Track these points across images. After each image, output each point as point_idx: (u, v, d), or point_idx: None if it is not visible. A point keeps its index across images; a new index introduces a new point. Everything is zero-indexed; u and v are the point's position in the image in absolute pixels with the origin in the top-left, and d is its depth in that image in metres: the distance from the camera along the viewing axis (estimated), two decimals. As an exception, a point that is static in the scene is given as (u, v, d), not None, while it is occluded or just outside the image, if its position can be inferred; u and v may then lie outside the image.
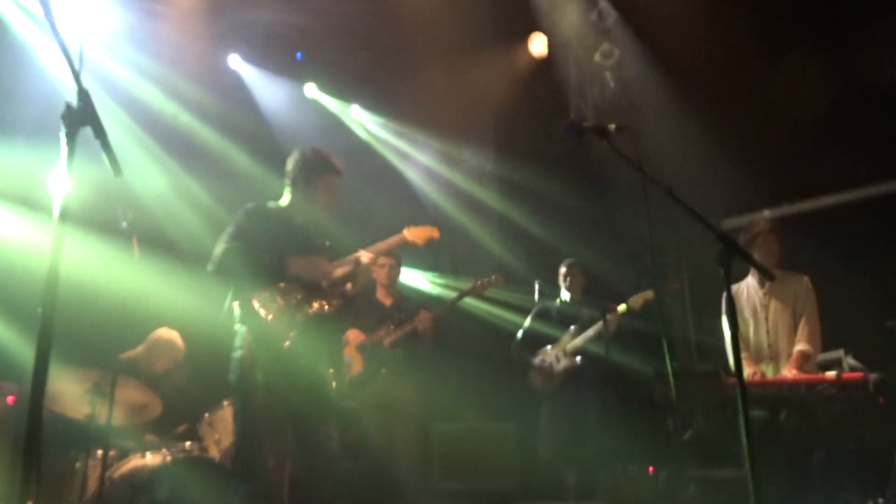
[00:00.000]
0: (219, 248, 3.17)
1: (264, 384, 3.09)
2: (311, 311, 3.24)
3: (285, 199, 3.45)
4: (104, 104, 5.58)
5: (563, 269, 5.31)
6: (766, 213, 5.59)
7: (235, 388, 3.18)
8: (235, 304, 3.17)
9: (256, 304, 3.13)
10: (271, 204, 3.45)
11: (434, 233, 3.88)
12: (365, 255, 3.46)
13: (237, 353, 3.19)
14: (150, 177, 5.79)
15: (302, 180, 3.38)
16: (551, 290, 5.44)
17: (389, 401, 4.64)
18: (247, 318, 3.16)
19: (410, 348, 4.70)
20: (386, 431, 4.63)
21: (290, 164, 3.43)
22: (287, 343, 3.14)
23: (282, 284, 3.21)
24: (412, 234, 3.79)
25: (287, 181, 3.44)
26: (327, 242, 3.53)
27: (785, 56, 5.55)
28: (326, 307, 3.30)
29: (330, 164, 3.42)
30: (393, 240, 3.71)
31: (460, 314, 6.21)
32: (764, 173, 5.75)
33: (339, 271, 3.42)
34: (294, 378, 3.17)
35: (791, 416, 3.79)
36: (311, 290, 3.30)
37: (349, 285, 3.47)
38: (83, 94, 1.79)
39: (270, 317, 3.13)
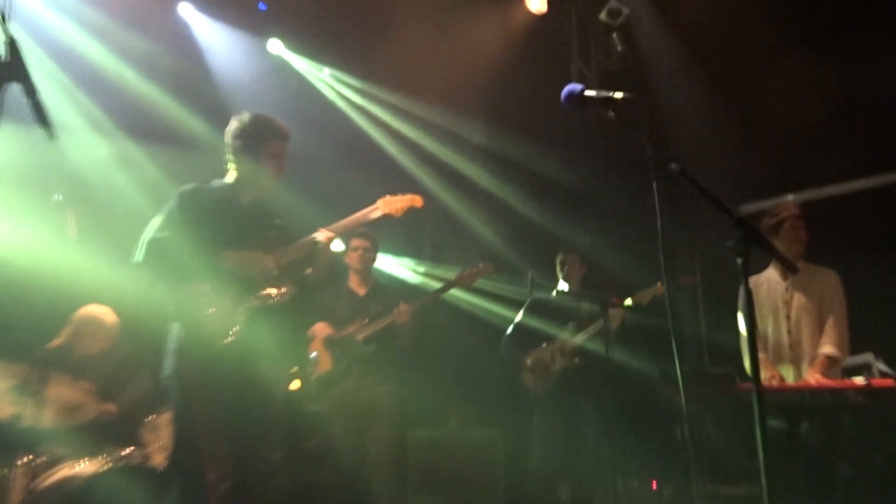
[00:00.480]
0: (145, 237, 3.18)
1: (200, 385, 3.10)
2: (255, 302, 3.25)
3: (230, 176, 3.45)
4: (35, 57, 5.50)
5: (559, 258, 5.34)
6: (791, 197, 5.62)
7: (170, 389, 3.20)
8: (168, 299, 3.17)
9: (191, 298, 3.13)
10: (215, 183, 3.45)
11: (416, 202, 3.81)
12: (322, 234, 3.44)
13: (170, 351, 3.21)
14: (88, 143, 5.73)
15: (243, 151, 3.38)
16: (546, 281, 5.46)
17: (361, 404, 4.64)
18: (180, 314, 3.16)
19: (386, 345, 4.70)
20: (356, 438, 4.63)
21: (229, 135, 3.42)
22: (228, 340, 3.14)
23: (219, 278, 3.21)
24: (388, 205, 3.70)
25: (228, 155, 3.44)
26: (277, 220, 3.52)
27: (818, 27, 5.58)
28: (274, 297, 3.30)
29: (273, 128, 3.42)
30: (363, 213, 3.63)
31: (443, 307, 6.23)
32: (788, 153, 5.80)
33: (293, 256, 3.40)
34: (234, 379, 3.18)
35: (813, 426, 3.83)
36: (260, 279, 3.30)
37: (309, 270, 3.46)
38: (11, 46, 1.76)
39: (209, 311, 3.14)
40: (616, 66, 6.68)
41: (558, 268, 5.32)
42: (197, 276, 3.17)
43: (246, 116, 3.42)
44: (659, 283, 4.90)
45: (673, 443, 5.04)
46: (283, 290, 3.33)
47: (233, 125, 3.43)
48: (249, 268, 3.29)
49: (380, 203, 3.70)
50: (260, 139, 3.37)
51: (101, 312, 4.87)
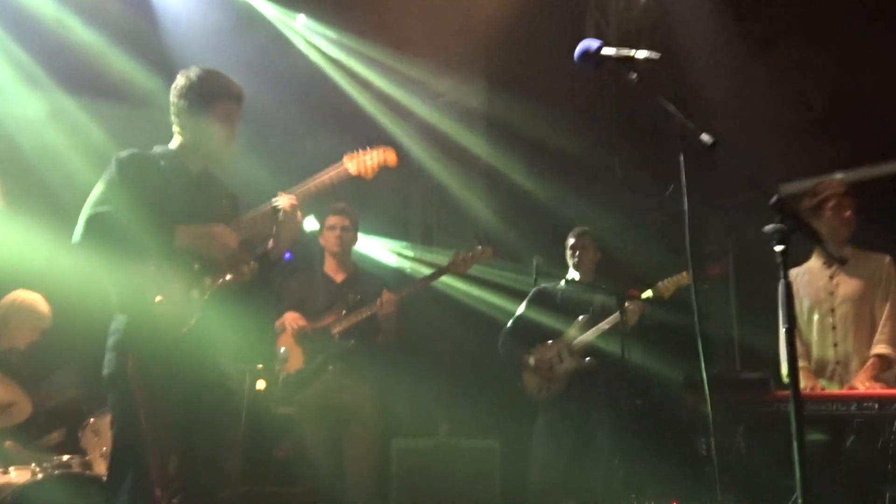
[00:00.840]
0: (83, 215, 3.15)
1: (146, 385, 3.09)
2: (212, 285, 3.23)
3: (174, 141, 3.44)
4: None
5: (570, 241, 5.33)
6: (839, 175, 5.61)
7: (110, 386, 3.18)
8: (110, 284, 3.15)
9: (136, 282, 3.11)
10: (158, 149, 3.42)
11: (388, 157, 3.74)
12: (284, 199, 3.42)
13: (111, 343, 3.19)
14: (21, 101, 5.70)
15: (189, 113, 3.36)
16: (554, 268, 5.45)
17: (337, 408, 4.65)
18: (126, 302, 3.14)
19: (367, 340, 4.70)
20: (331, 447, 4.64)
21: (173, 93, 3.40)
22: (182, 331, 3.13)
23: (169, 257, 3.19)
24: (356, 164, 3.66)
25: (173, 117, 3.42)
26: (230, 190, 3.50)
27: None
28: (231, 276, 3.28)
29: (223, 85, 3.40)
30: (327, 173, 3.57)
31: (434, 297, 6.24)
32: (838, 125, 5.78)
33: (251, 228, 3.38)
34: (188, 379, 3.18)
35: (860, 441, 3.84)
36: (216, 257, 3.28)
37: (271, 242, 3.45)
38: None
39: (158, 298, 3.12)
40: (639, 18, 6.66)
41: (568, 253, 5.31)
42: (145, 256, 3.15)
43: (193, 72, 3.39)
44: (684, 273, 4.90)
45: (697, 458, 5.05)
46: (245, 268, 3.31)
47: (178, 82, 3.40)
48: (207, 245, 3.26)
49: (345, 160, 3.66)
50: (208, 98, 3.35)
51: (33, 299, 4.86)
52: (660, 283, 4.94)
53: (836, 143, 5.63)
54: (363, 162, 3.67)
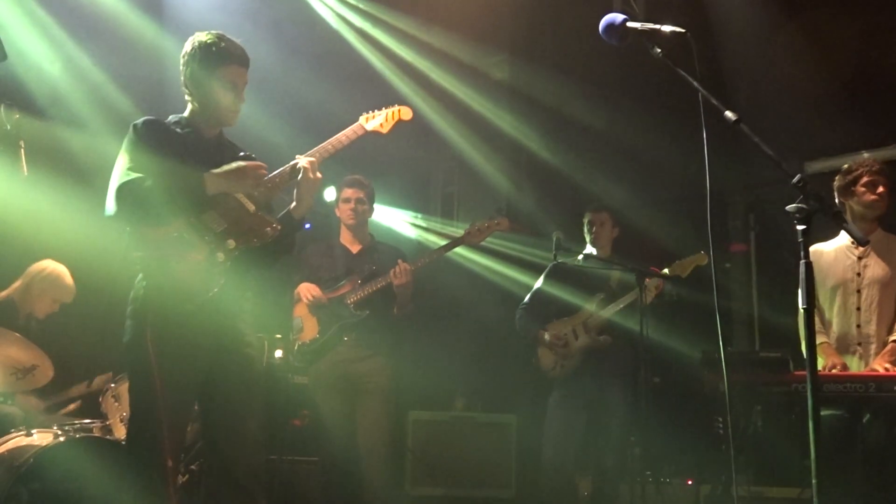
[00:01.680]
0: (112, 187, 3.17)
1: (163, 350, 3.11)
2: (236, 246, 3.23)
3: (187, 109, 3.46)
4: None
5: (587, 217, 5.31)
6: (866, 154, 5.56)
7: (128, 353, 3.21)
8: (135, 252, 3.16)
9: (161, 244, 3.13)
10: (172, 117, 3.45)
11: (403, 113, 3.76)
12: (304, 159, 3.43)
13: (130, 311, 3.21)
14: (45, 65, 5.72)
15: (193, 80, 3.38)
16: (575, 243, 5.44)
17: (352, 378, 4.67)
18: (149, 268, 3.16)
19: (382, 311, 4.71)
20: (346, 417, 4.65)
21: (182, 61, 3.42)
22: (209, 296, 3.15)
23: (194, 218, 3.20)
24: (371, 121, 3.67)
25: (182, 86, 3.44)
26: (245, 153, 3.51)
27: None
28: (256, 238, 3.29)
29: (228, 50, 3.39)
30: (344, 133, 3.57)
31: (452, 269, 6.25)
32: (867, 103, 5.72)
33: (270, 188, 3.38)
34: (209, 343, 3.20)
35: (875, 420, 3.84)
36: (239, 218, 3.29)
37: (292, 205, 3.46)
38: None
39: (182, 264, 3.14)
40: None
41: (585, 229, 5.29)
42: (175, 217, 3.16)
43: (198, 38, 3.40)
44: (702, 252, 4.86)
45: (714, 437, 5.07)
46: (268, 229, 3.32)
47: (185, 48, 3.41)
48: (237, 180, 3.25)
49: (361, 119, 3.67)
50: (212, 64, 3.35)
51: (60, 272, 4.91)
52: (676, 263, 4.91)
53: (863, 114, 5.57)
54: (378, 118, 3.69)
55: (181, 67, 3.41)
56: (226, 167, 3.28)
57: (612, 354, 4.99)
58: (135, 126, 3.31)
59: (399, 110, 3.76)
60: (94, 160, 5.32)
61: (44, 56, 5.70)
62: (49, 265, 4.90)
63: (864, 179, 4.19)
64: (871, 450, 3.81)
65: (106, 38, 5.95)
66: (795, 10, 5.81)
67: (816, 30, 5.65)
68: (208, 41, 3.38)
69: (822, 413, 3.85)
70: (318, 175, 3.40)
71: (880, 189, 4.18)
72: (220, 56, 3.37)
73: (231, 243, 3.23)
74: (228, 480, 3.20)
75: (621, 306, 4.97)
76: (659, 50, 2.58)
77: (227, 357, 3.26)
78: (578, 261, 5.22)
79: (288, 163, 3.40)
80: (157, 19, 6.08)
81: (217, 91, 3.36)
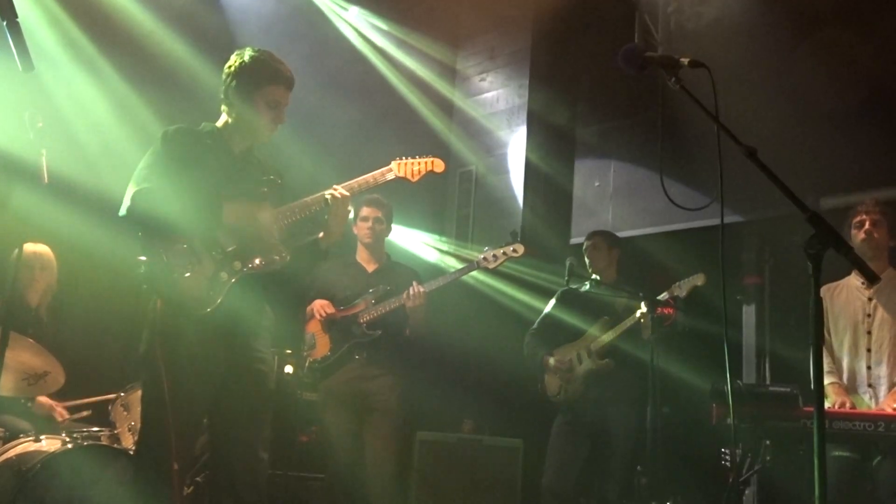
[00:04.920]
0: (129, 189, 3.21)
1: (171, 361, 3.13)
2: (241, 268, 3.25)
3: (220, 120, 3.48)
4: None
5: (585, 243, 5.31)
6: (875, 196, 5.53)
7: (142, 364, 3.24)
8: (142, 259, 3.19)
9: (167, 259, 3.15)
10: (205, 126, 3.47)
11: (436, 165, 3.83)
12: (338, 191, 3.46)
13: (148, 321, 3.24)
14: (70, 77, 5.78)
15: (237, 93, 3.40)
16: (587, 270, 5.43)
17: (361, 396, 4.67)
18: (154, 277, 3.19)
19: (394, 331, 4.72)
20: (353, 437, 4.66)
21: (225, 72, 3.44)
22: (209, 310, 3.17)
23: (206, 234, 3.23)
24: (403, 167, 3.73)
25: (221, 96, 3.46)
26: (272, 177, 3.52)
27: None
28: (262, 262, 3.30)
29: (275, 70, 3.43)
30: (373, 175, 3.63)
31: (466, 292, 6.24)
32: (886, 141, 5.69)
33: (297, 215, 3.41)
34: (222, 356, 3.22)
35: (886, 461, 3.80)
36: (250, 242, 3.32)
37: (320, 234, 3.48)
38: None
39: (187, 275, 3.16)
40: (688, 22, 6.59)
41: (585, 255, 5.29)
42: (183, 233, 3.19)
43: (247, 53, 3.42)
44: (701, 274, 4.83)
45: (719, 471, 5.02)
46: (277, 257, 3.35)
47: (231, 61, 3.44)
48: (251, 225, 3.31)
49: (393, 165, 3.71)
50: (258, 81, 3.38)
51: (39, 251, 4.88)
52: (675, 284, 4.87)
53: (883, 150, 5.53)
54: (410, 167, 3.74)
55: (224, 78, 3.43)
56: (248, 207, 3.32)
57: (616, 380, 4.97)
58: (164, 133, 3.35)
59: (433, 162, 3.82)
60: (112, 167, 5.37)
61: (73, 72, 5.75)
62: (30, 247, 4.84)
63: (854, 220, 4.25)
64: (880, 490, 3.77)
65: (130, 49, 6.03)
66: (811, 27, 5.80)
67: (838, 61, 5.63)
68: (260, 58, 3.41)
69: (833, 454, 3.85)
70: (349, 208, 3.45)
71: (866, 227, 4.20)
72: (269, 74, 3.40)
73: (237, 265, 3.26)
74: (231, 494, 3.20)
75: (622, 329, 4.93)
76: (674, 81, 2.59)
77: (239, 372, 3.29)
78: (586, 286, 5.21)
79: (317, 191, 3.43)
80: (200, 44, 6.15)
81: (260, 108, 3.38)
